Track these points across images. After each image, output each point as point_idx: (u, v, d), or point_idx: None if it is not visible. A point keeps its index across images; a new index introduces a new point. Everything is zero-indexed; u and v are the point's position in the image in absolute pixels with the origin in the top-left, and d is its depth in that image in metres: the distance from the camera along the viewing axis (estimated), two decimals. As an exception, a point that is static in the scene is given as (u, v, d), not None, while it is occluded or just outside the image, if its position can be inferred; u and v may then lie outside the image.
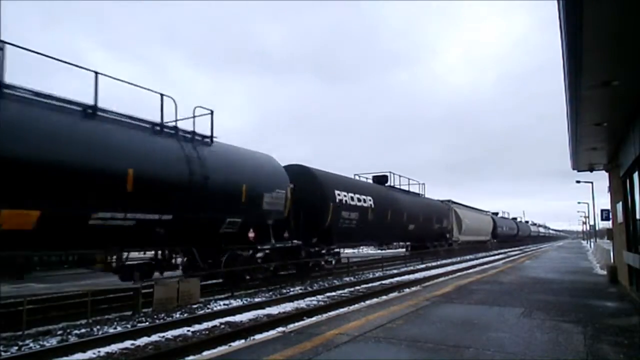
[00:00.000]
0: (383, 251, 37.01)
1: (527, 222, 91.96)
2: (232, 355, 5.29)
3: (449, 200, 37.98)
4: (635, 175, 9.06)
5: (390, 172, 26.53)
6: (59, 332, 8.46)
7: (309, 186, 17.63)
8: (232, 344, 7.19)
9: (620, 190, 11.23)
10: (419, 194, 30.79)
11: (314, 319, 8.41)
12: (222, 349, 6.49)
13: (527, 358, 4.90)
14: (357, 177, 23.78)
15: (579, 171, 14.30)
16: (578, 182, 34.01)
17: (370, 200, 21.36)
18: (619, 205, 11.48)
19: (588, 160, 12.66)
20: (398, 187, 27.41)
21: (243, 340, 7.35)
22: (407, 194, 28.27)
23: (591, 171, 14.10)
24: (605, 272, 14.79)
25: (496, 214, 59.83)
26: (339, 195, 18.67)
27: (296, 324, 8.20)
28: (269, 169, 15.45)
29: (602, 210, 23.67)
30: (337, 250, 20.51)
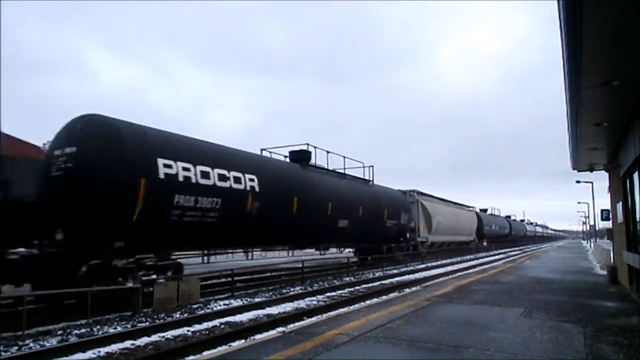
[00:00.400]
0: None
1: (522, 220, 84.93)
2: (232, 355, 5.29)
3: (413, 191, 30.36)
4: (635, 175, 9.06)
5: (314, 148, 19.19)
6: (59, 332, 8.45)
7: (107, 151, 10.44)
8: (232, 344, 7.19)
9: (620, 190, 11.23)
10: (367, 181, 23.56)
11: (314, 319, 8.41)
12: (222, 349, 6.49)
13: (527, 358, 4.90)
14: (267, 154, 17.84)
15: (579, 171, 14.30)
16: (578, 182, 34.04)
17: (253, 180, 14.01)
18: (619, 205, 11.48)
19: (588, 160, 12.66)
20: (324, 168, 20.21)
21: (243, 340, 7.35)
22: (339, 179, 20.62)
23: (591, 171, 14.10)
24: (605, 272, 14.79)
25: (485, 210, 53.25)
26: (168, 167, 11.34)
27: (296, 324, 8.21)
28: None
29: (602, 210, 23.66)
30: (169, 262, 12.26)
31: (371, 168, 24.03)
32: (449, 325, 6.52)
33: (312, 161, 19.16)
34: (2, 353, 6.96)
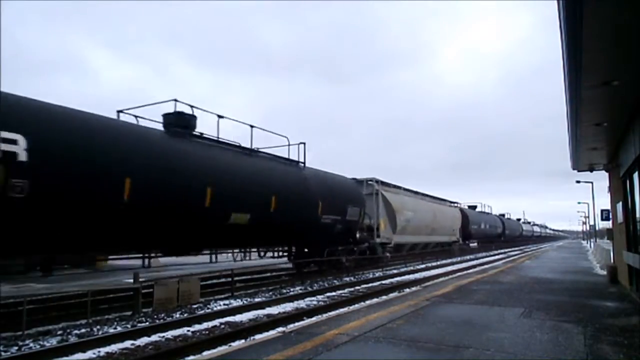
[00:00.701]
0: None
1: (519, 219, 78.64)
2: (232, 355, 5.29)
3: (372, 179, 23.91)
4: (635, 175, 9.06)
5: (191, 108, 12.70)
6: (59, 332, 8.45)
7: None
8: (232, 344, 7.19)
9: (620, 190, 11.23)
10: (294, 162, 16.86)
11: (314, 319, 8.40)
12: (222, 349, 6.49)
13: (527, 358, 4.90)
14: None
15: (579, 171, 14.31)
16: (578, 182, 34.02)
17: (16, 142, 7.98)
18: (619, 205, 11.49)
19: (588, 160, 12.66)
20: (215, 139, 13.35)
21: (243, 340, 7.35)
22: (239, 154, 13.97)
23: (591, 171, 14.11)
24: (605, 272, 14.79)
25: (474, 207, 47.91)
26: None
27: (296, 324, 8.21)
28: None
29: (602, 210, 23.68)
30: None
31: (302, 146, 17.34)
32: (449, 325, 6.52)
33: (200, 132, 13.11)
34: (2, 353, 6.96)
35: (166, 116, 12.69)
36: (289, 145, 16.94)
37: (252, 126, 15.00)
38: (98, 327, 8.95)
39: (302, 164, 17.43)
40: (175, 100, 12.59)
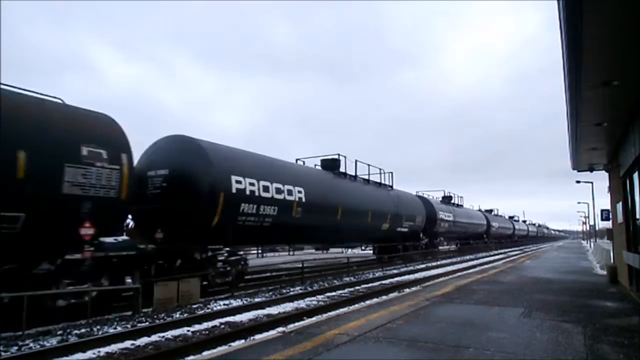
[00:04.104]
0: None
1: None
2: (232, 355, 5.29)
3: None
4: (635, 175, 9.07)
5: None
6: (59, 332, 8.45)
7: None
8: (232, 344, 7.18)
9: (620, 190, 11.23)
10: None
11: (314, 319, 8.41)
12: (222, 349, 6.49)
13: (527, 358, 4.90)
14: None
15: (579, 171, 14.31)
16: (578, 182, 34.04)
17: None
18: (619, 205, 11.49)
19: (588, 160, 12.67)
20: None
21: (243, 340, 7.35)
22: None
23: (591, 171, 14.11)
24: (605, 272, 14.79)
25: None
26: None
27: (296, 324, 8.20)
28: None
29: (602, 210, 23.65)
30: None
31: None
32: (449, 325, 6.52)
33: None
34: (2, 353, 6.96)
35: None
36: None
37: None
38: (98, 327, 8.94)
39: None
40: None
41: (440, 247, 36.60)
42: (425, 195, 34.05)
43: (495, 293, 10.25)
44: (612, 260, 14.29)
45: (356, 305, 9.80)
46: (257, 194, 14.25)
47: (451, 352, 5.13)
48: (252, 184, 14.10)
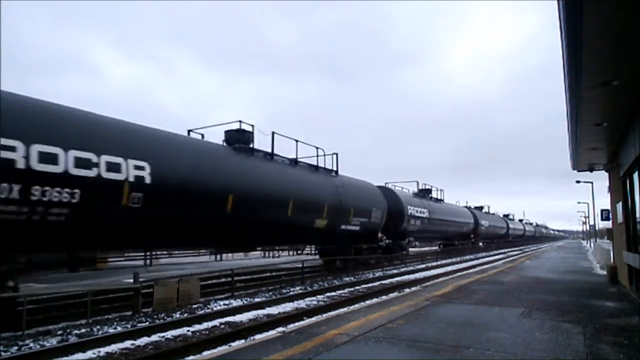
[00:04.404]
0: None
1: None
2: (232, 355, 5.29)
3: None
4: (635, 175, 9.06)
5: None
6: (59, 332, 8.45)
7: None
8: (232, 344, 7.18)
9: (620, 190, 11.23)
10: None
11: (314, 319, 8.40)
12: (222, 349, 6.49)
13: (527, 358, 4.90)
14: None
15: (578, 171, 14.30)
16: (578, 182, 33.98)
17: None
18: (619, 205, 11.48)
19: (588, 160, 12.66)
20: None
21: (243, 340, 7.35)
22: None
23: (591, 171, 14.10)
24: (605, 272, 14.79)
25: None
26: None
27: (296, 324, 8.21)
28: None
29: (602, 210, 23.64)
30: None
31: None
32: (449, 325, 6.53)
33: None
34: (2, 353, 6.96)
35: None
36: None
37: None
38: (98, 327, 8.95)
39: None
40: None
41: (412, 249, 31.94)
42: (392, 187, 27.31)
43: (495, 293, 10.25)
44: (612, 260, 14.29)
45: (356, 305, 9.81)
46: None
47: (451, 352, 5.13)
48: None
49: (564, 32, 5.20)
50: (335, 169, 19.90)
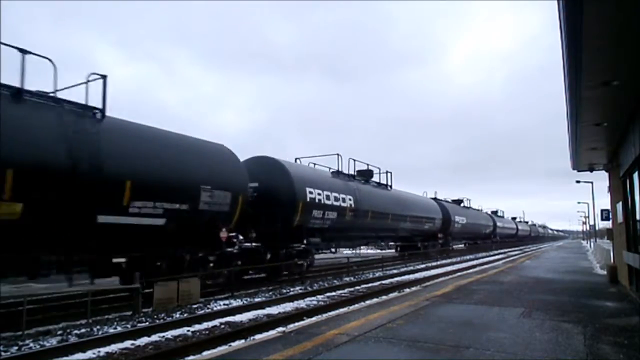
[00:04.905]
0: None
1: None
2: (232, 355, 5.29)
3: None
4: (635, 175, 9.06)
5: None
6: (59, 332, 8.45)
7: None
8: (232, 344, 7.18)
9: (620, 190, 11.23)
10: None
11: (314, 319, 8.40)
12: (222, 349, 6.49)
13: (527, 358, 4.90)
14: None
15: (578, 171, 14.30)
16: (578, 182, 33.99)
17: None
18: (619, 205, 11.48)
19: (588, 160, 12.66)
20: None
21: (243, 340, 7.35)
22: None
23: (591, 171, 14.11)
24: (605, 272, 14.80)
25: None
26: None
27: (296, 324, 8.21)
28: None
29: (602, 210, 23.63)
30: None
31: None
32: (449, 325, 6.53)
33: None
34: (2, 353, 6.96)
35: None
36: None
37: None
38: (98, 327, 8.95)
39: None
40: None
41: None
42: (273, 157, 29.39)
43: (495, 293, 10.25)
44: (612, 260, 14.29)
45: (356, 305, 9.81)
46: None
47: (451, 352, 5.13)
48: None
49: (564, 32, 5.20)
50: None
